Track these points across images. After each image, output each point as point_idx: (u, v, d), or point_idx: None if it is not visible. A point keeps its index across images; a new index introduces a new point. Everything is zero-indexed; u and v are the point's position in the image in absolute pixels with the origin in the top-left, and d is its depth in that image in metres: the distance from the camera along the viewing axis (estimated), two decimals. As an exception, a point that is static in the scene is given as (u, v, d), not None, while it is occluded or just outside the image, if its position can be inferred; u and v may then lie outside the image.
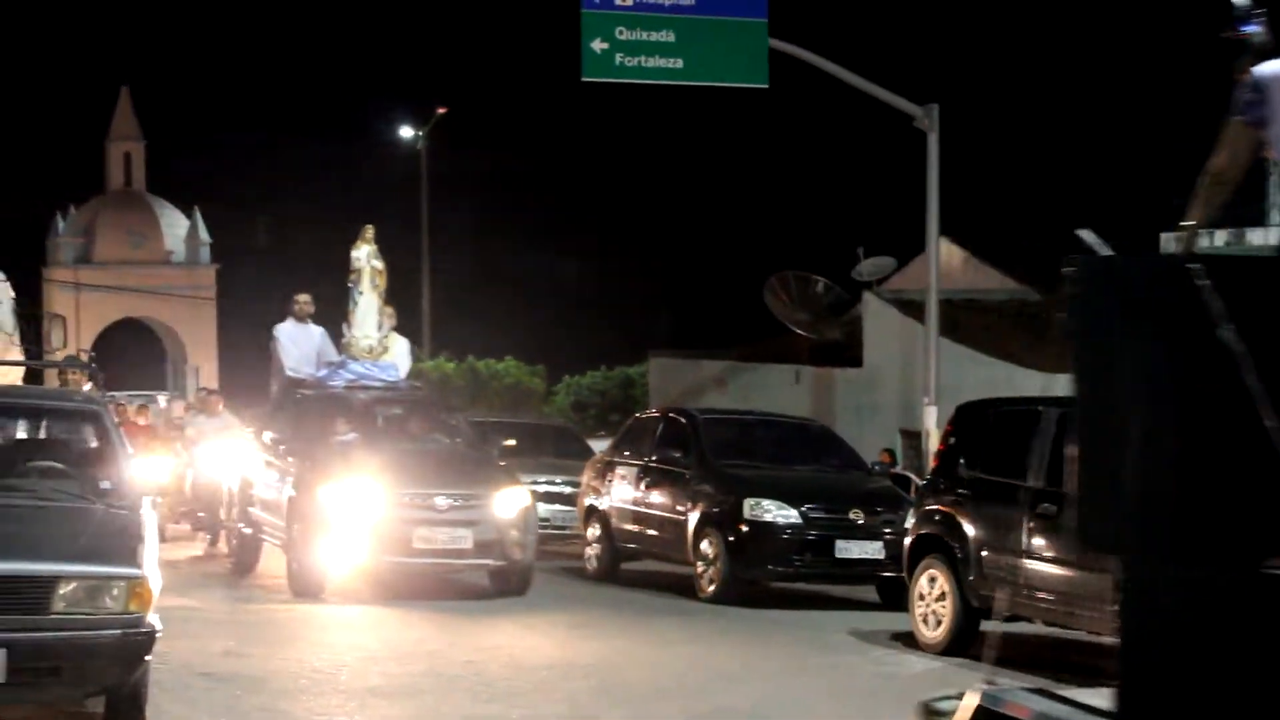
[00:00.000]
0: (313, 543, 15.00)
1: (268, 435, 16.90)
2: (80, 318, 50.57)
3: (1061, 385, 22.01)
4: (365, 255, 17.94)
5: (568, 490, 20.35)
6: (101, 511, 9.40)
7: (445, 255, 42.66)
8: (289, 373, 18.03)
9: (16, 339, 17.48)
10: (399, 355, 18.43)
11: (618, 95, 21.70)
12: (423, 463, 15.78)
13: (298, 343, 18.35)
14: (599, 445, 22.30)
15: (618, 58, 20.67)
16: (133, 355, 52.94)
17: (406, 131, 42.03)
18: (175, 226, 59.24)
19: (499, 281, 51.52)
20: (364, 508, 14.93)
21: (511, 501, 15.37)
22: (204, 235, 58.76)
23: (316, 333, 18.58)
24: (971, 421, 13.77)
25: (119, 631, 8.58)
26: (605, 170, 50.86)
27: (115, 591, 8.60)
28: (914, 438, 23.13)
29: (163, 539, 10.91)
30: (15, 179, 54.36)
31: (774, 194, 48.00)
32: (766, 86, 21.25)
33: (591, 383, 36.28)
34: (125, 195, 59.36)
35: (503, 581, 15.60)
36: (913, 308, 24.27)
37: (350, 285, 17.99)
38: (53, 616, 8.50)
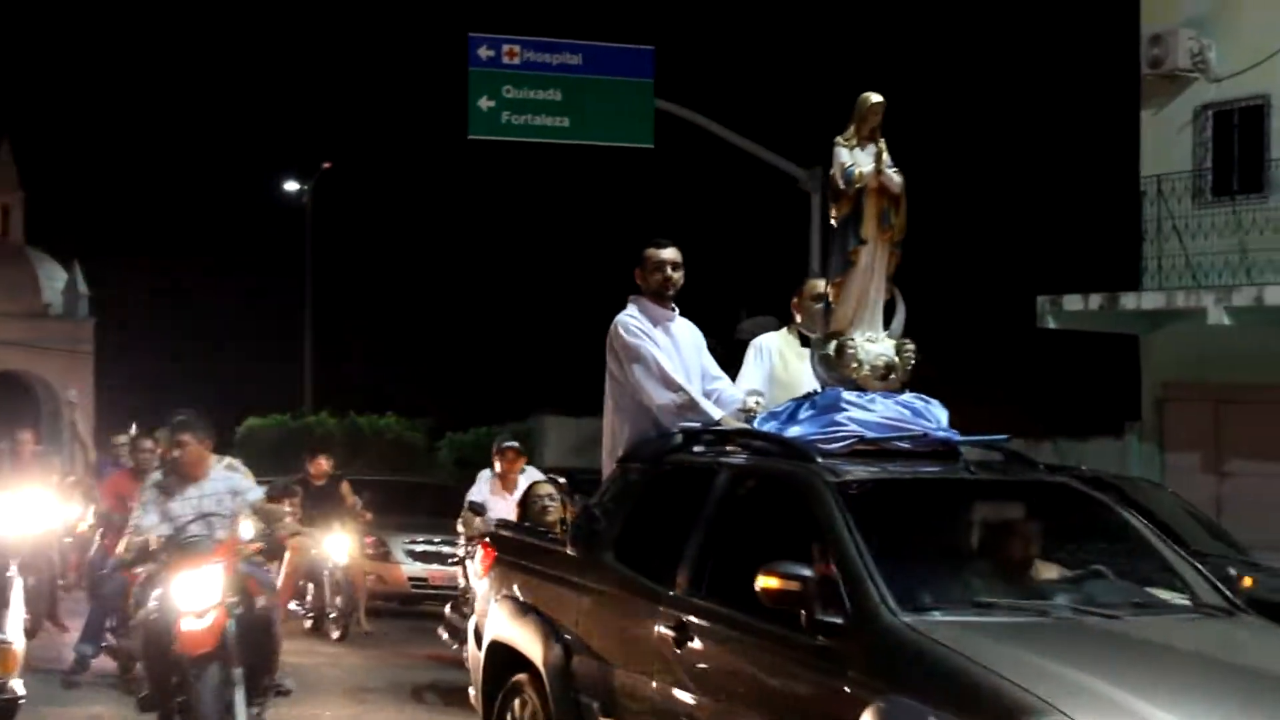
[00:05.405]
0: None
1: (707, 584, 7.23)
2: (-47, 371, 49.63)
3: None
4: (870, 160, 7.77)
5: (445, 550, 18.68)
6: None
7: (328, 308, 42.42)
8: (667, 417, 8.50)
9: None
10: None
11: (506, 152, 21.75)
12: (1185, 657, 6.42)
13: (666, 348, 8.84)
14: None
15: (504, 115, 20.73)
16: (6, 409, 52.06)
17: (292, 185, 41.85)
18: (54, 279, 58.35)
19: (382, 336, 51.30)
20: None
21: None
22: (83, 288, 57.86)
23: (692, 329, 9.23)
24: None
25: (-22, 698, 8.39)
26: (491, 227, 50.86)
27: (-24, 657, 8.39)
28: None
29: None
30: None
31: (658, 253, 48.14)
32: (652, 146, 21.43)
33: (476, 439, 36.07)
34: (2, 247, 58.48)
35: None
36: (796, 367, 24.41)
37: (835, 223, 7.91)
38: (-92, 684, 8.28)
